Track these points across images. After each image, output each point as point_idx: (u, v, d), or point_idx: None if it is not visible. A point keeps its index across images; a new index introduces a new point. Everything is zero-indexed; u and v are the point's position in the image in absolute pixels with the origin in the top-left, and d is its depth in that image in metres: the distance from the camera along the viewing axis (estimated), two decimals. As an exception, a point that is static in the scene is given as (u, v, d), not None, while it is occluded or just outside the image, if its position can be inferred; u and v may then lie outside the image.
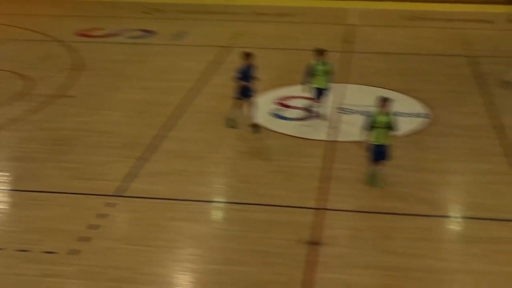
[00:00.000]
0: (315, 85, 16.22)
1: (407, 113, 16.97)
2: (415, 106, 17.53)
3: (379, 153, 13.08)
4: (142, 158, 14.62)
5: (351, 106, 17.33)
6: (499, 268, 10.86)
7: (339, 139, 15.55)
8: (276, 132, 15.92)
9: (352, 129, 15.74)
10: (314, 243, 11.49)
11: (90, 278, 10.60)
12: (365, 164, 13.58)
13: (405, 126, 16.14)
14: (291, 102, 17.73)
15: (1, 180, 13.95)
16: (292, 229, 11.93)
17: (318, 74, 16.09)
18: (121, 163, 14.40)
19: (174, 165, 14.38)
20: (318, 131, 16.07)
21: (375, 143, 13.00)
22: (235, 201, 13.07)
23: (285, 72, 20.31)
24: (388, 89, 18.67)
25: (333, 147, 15.11)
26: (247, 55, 15.77)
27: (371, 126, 12.90)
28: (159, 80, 19.61)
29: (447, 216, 12.51)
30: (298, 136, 15.62)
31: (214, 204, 13.13)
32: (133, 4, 28.62)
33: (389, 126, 12.93)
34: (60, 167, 14.23)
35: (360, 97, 17.97)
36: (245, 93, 15.88)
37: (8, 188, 13.66)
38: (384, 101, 12.89)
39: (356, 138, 14.17)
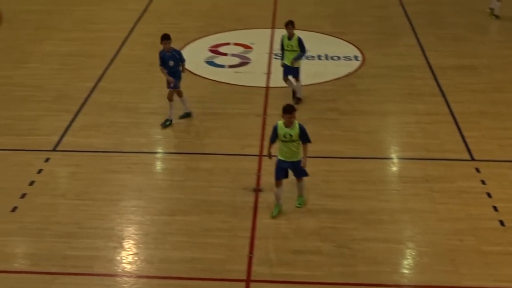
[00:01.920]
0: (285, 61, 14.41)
1: (339, 56, 17.13)
2: (347, 49, 17.67)
3: (284, 171, 10.87)
4: (74, 111, 14.30)
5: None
6: (435, 206, 11.21)
7: (273, 85, 15.55)
8: (211, 79, 15.80)
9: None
10: (255, 190, 11.56)
11: (33, 235, 10.41)
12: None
13: (338, 69, 16.34)
14: (224, 49, 17.60)
15: None
16: (234, 176, 11.97)
17: (286, 49, 14.28)
18: (53, 117, 14.06)
19: (108, 116, 14.13)
20: (252, 78, 16.03)
21: (281, 158, 10.83)
22: (175, 151, 12.99)
23: (213, 18, 20.07)
24: (318, 32, 18.75)
25: (268, 93, 15.12)
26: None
27: (275, 138, 10.76)
28: (83, 30, 19.07)
29: (386, 158, 12.77)
30: (234, 83, 15.53)
31: (153, 155, 13.00)
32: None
33: (297, 139, 10.66)
34: (-11, 124, 13.81)
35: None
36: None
37: None
38: (288, 111, 10.48)
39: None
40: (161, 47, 13.44)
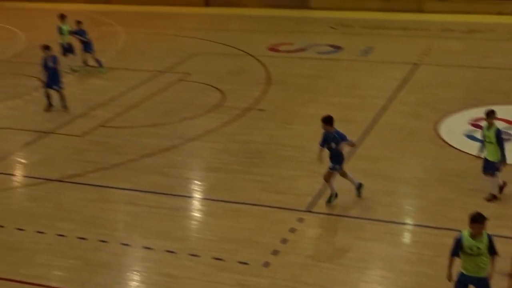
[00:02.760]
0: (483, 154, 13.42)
1: None
2: None
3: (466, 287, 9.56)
4: (333, 175, 14.73)
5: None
6: None
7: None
8: (469, 154, 15.39)
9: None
10: (511, 275, 10.94)
11: (281, 292, 10.81)
12: None
13: None
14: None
15: (197, 189, 14.67)
16: (487, 257, 11.42)
17: (485, 140, 13.33)
18: (311, 178, 14.57)
19: (363, 183, 14.29)
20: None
21: (464, 272, 9.49)
22: (426, 224, 12.77)
23: (476, 91, 19.67)
24: None
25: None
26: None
27: (458, 251, 9.46)
28: (346, 96, 19.68)
29: None
30: (493, 159, 14.99)
31: (404, 226, 12.90)
32: (321, 19, 29.01)
33: (485, 253, 9.31)
34: (252, 179, 14.66)
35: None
36: None
37: (203, 197, 14.32)
38: (478, 220, 9.20)
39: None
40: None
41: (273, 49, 24.83)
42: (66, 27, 22.72)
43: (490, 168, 13.32)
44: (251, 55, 24.07)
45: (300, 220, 12.93)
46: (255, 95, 19.96)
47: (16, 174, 15.75)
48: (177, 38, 27.05)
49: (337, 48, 24.63)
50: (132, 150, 16.44)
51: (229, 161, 15.66)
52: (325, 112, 18.25)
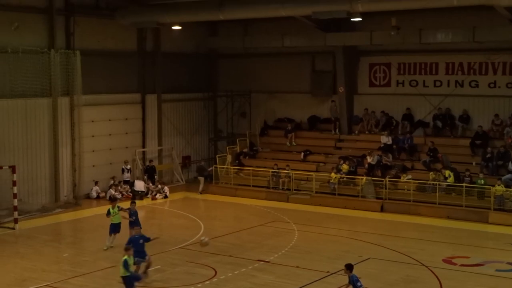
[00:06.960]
0: None
1: None
2: None
3: None
4: None
5: None
6: None
7: None
8: None
9: None
10: None
11: None
12: None
13: None
14: None
15: None
16: None
17: None
18: None
19: None
20: None
21: None
22: None
23: None
24: None
25: None
26: None
27: None
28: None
29: None
30: None
31: None
32: (501, 235, 27.96)
33: None
34: None
35: None
36: None
37: None
38: None
39: None
40: None
41: (448, 261, 24.05)
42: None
43: None
44: (424, 265, 23.45)
45: None
46: (426, 308, 19.21)
47: None
48: (351, 241, 27.09)
49: (515, 266, 23.43)
50: None
51: None
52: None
